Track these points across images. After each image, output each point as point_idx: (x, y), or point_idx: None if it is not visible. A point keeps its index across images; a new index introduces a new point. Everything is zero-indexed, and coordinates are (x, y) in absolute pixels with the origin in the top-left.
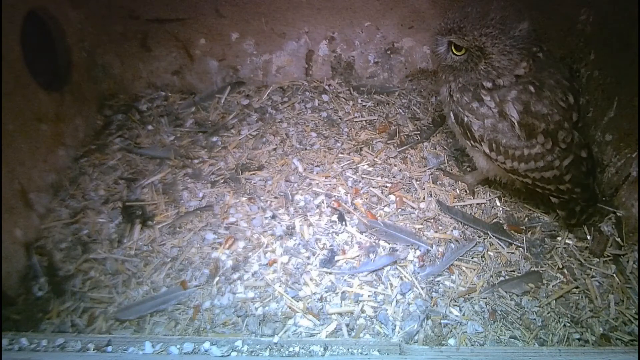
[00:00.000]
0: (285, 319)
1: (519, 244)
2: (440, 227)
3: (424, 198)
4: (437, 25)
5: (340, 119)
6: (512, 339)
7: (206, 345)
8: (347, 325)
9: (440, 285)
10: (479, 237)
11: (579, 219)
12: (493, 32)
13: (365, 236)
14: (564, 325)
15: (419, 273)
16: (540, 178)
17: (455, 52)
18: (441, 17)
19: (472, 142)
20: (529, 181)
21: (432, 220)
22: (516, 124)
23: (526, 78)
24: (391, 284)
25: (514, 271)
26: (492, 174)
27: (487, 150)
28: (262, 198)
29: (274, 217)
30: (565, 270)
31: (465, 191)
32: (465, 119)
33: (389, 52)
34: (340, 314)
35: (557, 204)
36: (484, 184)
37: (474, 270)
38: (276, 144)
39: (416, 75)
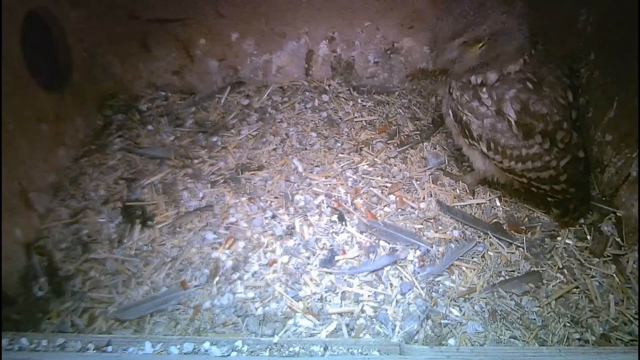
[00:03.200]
0: (285, 319)
1: (519, 244)
2: (440, 227)
3: (424, 198)
4: (442, 33)
5: (340, 119)
6: (512, 339)
7: (206, 345)
8: (347, 325)
9: (440, 285)
10: (479, 237)
11: (571, 217)
12: (498, 10)
13: (365, 236)
14: (564, 325)
15: (419, 273)
16: (536, 178)
17: (471, 50)
18: (438, 26)
19: (469, 140)
20: (525, 181)
21: (432, 220)
22: (513, 123)
23: (524, 74)
24: (391, 284)
25: (514, 271)
26: (490, 174)
27: (485, 150)
28: (262, 198)
29: (274, 217)
30: (565, 270)
31: (465, 191)
32: (464, 117)
33: (389, 52)
34: (340, 314)
35: (552, 203)
36: (484, 184)
37: (474, 270)
38: (276, 144)
39: (416, 75)
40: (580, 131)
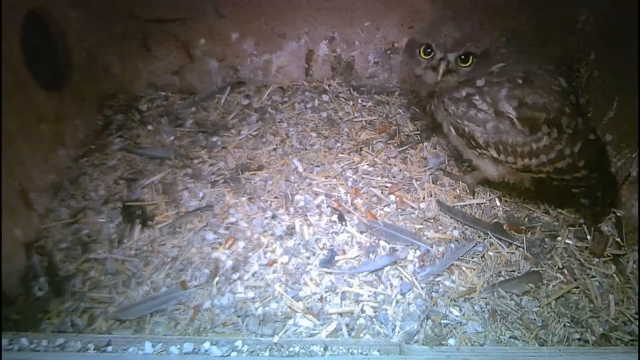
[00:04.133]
0: (285, 319)
1: (519, 244)
2: (440, 227)
3: (424, 198)
4: (440, 45)
5: (340, 119)
6: (512, 339)
7: (206, 345)
8: (347, 325)
9: (440, 285)
10: (479, 237)
11: (603, 204)
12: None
13: (365, 236)
14: (564, 325)
15: (419, 273)
16: (554, 170)
17: (462, 65)
18: (433, 37)
19: (478, 150)
20: (544, 176)
21: (432, 220)
22: (515, 120)
23: (509, 74)
24: (391, 284)
25: (514, 271)
26: (502, 178)
27: (495, 154)
28: (262, 198)
29: (274, 217)
30: (565, 270)
31: (465, 191)
32: (467, 128)
33: (389, 52)
34: (340, 314)
35: (579, 194)
36: (484, 184)
37: (474, 270)
38: (276, 144)
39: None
40: (582, 113)
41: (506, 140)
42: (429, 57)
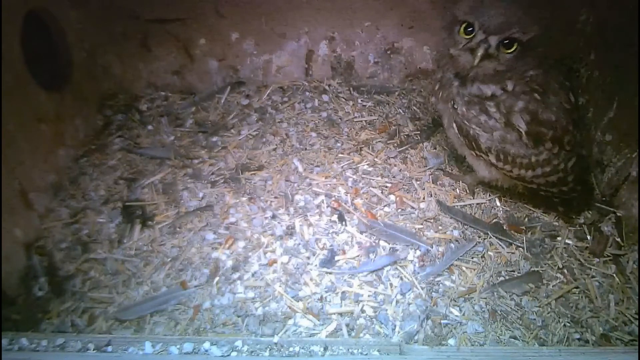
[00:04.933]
0: (285, 319)
1: (519, 244)
2: (440, 227)
3: (424, 198)
4: (483, 25)
5: (340, 119)
6: (512, 339)
7: (206, 345)
8: (347, 325)
9: (440, 285)
10: (479, 237)
11: (575, 211)
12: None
13: (365, 236)
14: (564, 325)
15: (419, 273)
16: (545, 183)
17: (505, 51)
18: (477, 15)
19: (476, 152)
20: (535, 186)
21: (432, 220)
22: (524, 134)
23: (529, 86)
24: (391, 284)
25: (514, 271)
26: (494, 180)
27: (494, 160)
28: (262, 198)
29: (274, 217)
30: (565, 270)
31: (465, 191)
32: (472, 131)
33: (389, 52)
34: (340, 314)
35: (558, 202)
36: (483, 184)
37: (474, 270)
38: (276, 144)
39: (416, 75)
40: (580, 129)
41: (509, 150)
42: (469, 37)
